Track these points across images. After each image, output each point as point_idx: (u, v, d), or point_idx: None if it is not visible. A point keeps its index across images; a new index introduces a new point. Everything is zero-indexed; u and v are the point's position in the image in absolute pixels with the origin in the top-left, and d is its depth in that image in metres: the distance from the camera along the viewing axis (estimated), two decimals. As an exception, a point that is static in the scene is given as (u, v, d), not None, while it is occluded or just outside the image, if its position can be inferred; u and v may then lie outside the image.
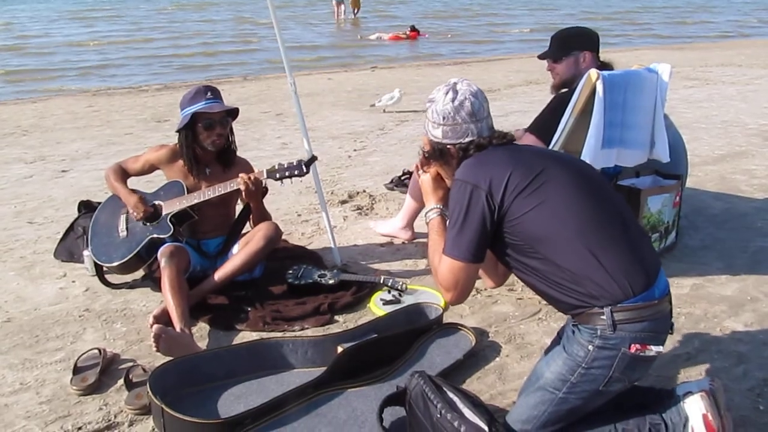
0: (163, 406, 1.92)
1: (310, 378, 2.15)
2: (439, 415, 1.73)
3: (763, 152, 5.36)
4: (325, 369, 2.20)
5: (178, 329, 2.47)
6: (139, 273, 3.08)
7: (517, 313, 2.74)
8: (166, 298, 2.61)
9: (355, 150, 5.70)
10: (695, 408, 1.73)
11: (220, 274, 2.86)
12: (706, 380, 1.84)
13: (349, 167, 5.14)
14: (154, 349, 2.35)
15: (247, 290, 2.91)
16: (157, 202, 2.99)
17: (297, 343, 2.36)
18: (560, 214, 1.72)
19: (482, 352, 2.46)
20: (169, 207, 2.94)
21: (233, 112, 3.04)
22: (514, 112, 6.90)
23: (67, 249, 3.35)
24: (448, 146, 1.93)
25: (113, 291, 3.00)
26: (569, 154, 2.30)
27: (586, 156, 2.73)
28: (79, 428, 2.05)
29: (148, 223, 2.95)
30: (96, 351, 2.40)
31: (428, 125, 1.97)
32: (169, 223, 2.90)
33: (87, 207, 3.48)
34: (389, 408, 1.93)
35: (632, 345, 1.66)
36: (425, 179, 2.09)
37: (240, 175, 2.87)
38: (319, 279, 2.92)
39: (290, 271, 2.98)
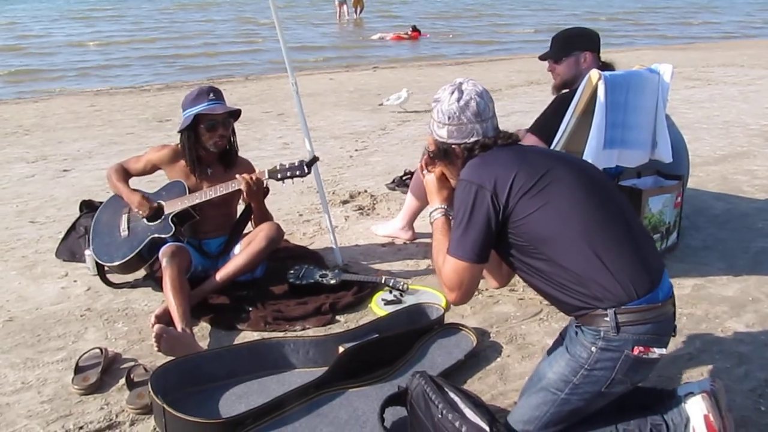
0: (165, 405, 1.93)
1: (312, 378, 2.16)
2: (440, 416, 1.73)
3: (765, 153, 5.35)
4: (326, 369, 2.20)
5: (179, 329, 2.48)
6: (141, 273, 3.08)
7: (518, 314, 2.74)
8: (167, 298, 2.61)
9: (356, 150, 5.70)
10: (697, 408, 1.73)
11: (221, 274, 2.86)
12: (708, 381, 1.84)
13: (350, 167, 5.14)
14: (156, 348, 2.35)
15: (248, 290, 2.92)
16: (158, 202, 2.99)
17: (298, 343, 2.36)
18: (565, 216, 1.72)
19: (483, 352, 2.46)
20: (171, 207, 2.95)
21: (235, 113, 3.04)
22: (516, 113, 6.90)
23: (69, 248, 3.36)
24: (453, 146, 1.93)
25: (115, 290, 3.01)
26: (574, 155, 2.30)
27: (588, 156, 2.72)
28: (81, 427, 2.05)
29: (149, 223, 2.95)
30: (97, 350, 2.41)
31: (433, 125, 1.97)
32: (171, 223, 2.91)
33: (89, 206, 3.49)
34: (390, 408, 1.93)
35: (635, 347, 1.66)
36: (430, 179, 2.09)
37: (242, 175, 2.88)
38: (320, 279, 2.93)
39: (292, 271, 2.98)
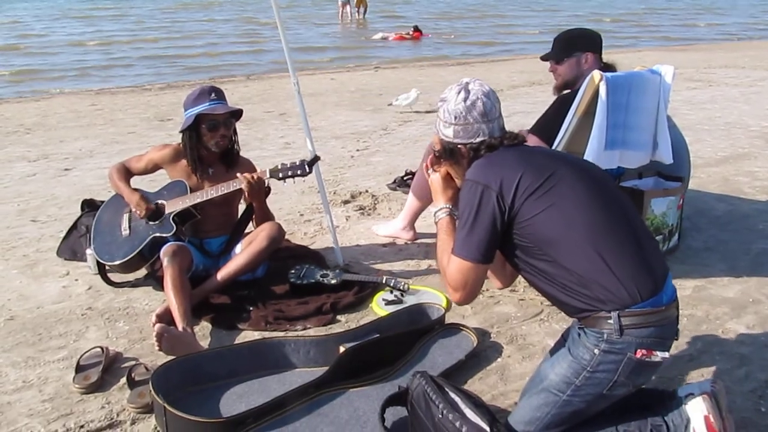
0: (166, 404, 1.93)
1: (312, 378, 2.16)
2: (440, 416, 1.73)
3: (766, 154, 5.35)
4: (327, 369, 2.20)
5: (180, 328, 2.48)
6: (142, 272, 3.08)
7: (519, 314, 2.74)
8: (168, 297, 2.62)
9: (357, 150, 5.70)
10: (697, 409, 1.73)
11: (222, 274, 2.87)
12: (708, 382, 1.84)
13: (351, 167, 5.14)
14: (157, 348, 2.36)
15: (249, 290, 2.92)
16: (159, 201, 3.00)
17: (299, 343, 2.36)
18: (570, 217, 1.72)
19: (484, 352, 2.46)
20: (172, 206, 2.95)
21: (237, 113, 3.04)
22: (517, 113, 6.90)
23: (70, 247, 3.36)
24: (459, 146, 1.93)
25: (116, 290, 3.01)
26: (579, 157, 2.30)
27: (589, 157, 2.72)
28: (82, 426, 2.06)
29: (150, 222, 2.96)
30: (98, 349, 2.41)
31: (439, 124, 1.96)
32: (172, 222, 2.91)
33: (90, 205, 3.49)
34: (391, 408, 1.94)
35: (638, 350, 1.66)
36: (435, 178, 2.09)
37: (243, 174, 2.88)
38: (321, 279, 2.93)
39: (293, 271, 2.98)
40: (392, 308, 2.75)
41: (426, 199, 3.36)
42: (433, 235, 3.46)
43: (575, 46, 2.99)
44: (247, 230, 3.12)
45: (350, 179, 4.78)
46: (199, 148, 2.99)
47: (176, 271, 2.68)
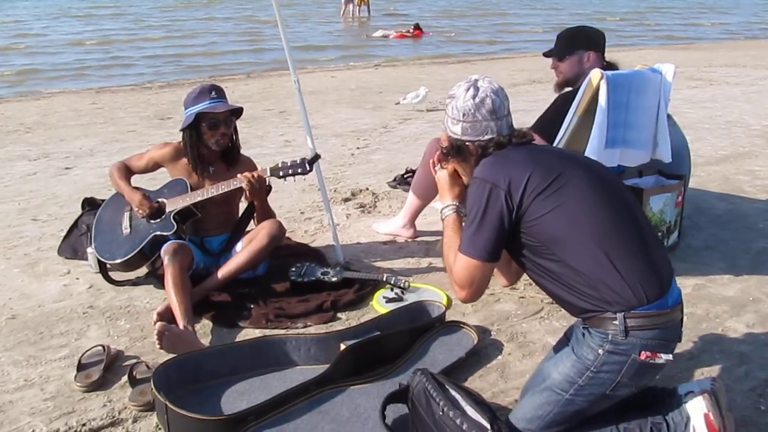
0: (167, 402, 1.93)
1: (313, 375, 2.16)
2: (441, 413, 1.73)
3: (767, 153, 5.35)
4: (327, 366, 2.20)
5: (181, 326, 2.48)
6: (143, 270, 3.09)
7: (519, 312, 2.75)
8: (169, 296, 2.62)
9: (358, 148, 5.71)
10: (697, 408, 1.74)
11: (223, 272, 2.87)
12: (708, 380, 1.84)
13: (352, 165, 5.14)
14: (158, 346, 2.36)
15: (250, 288, 2.92)
16: (160, 200, 3.00)
17: (300, 341, 2.36)
18: (578, 218, 1.72)
19: (484, 350, 2.46)
20: (173, 204, 2.95)
21: (237, 112, 3.04)
22: (518, 111, 6.82)
23: (71, 246, 3.36)
24: (467, 143, 1.93)
25: (117, 288, 3.01)
26: (588, 157, 2.29)
27: (589, 155, 2.72)
28: (83, 424, 2.06)
29: (151, 221, 2.96)
30: (100, 348, 2.41)
31: (448, 121, 1.96)
32: (173, 221, 2.91)
33: (91, 204, 3.49)
34: (392, 405, 1.94)
35: (642, 352, 1.66)
36: (442, 175, 2.08)
37: (243, 173, 2.88)
38: (322, 276, 2.93)
39: (293, 269, 2.99)
40: (393, 306, 2.75)
41: (426, 198, 3.37)
42: (434, 233, 3.50)
43: (578, 44, 2.99)
44: (248, 228, 3.13)
45: (351, 177, 4.78)
46: (199, 146, 2.99)
47: (177, 270, 2.68)
